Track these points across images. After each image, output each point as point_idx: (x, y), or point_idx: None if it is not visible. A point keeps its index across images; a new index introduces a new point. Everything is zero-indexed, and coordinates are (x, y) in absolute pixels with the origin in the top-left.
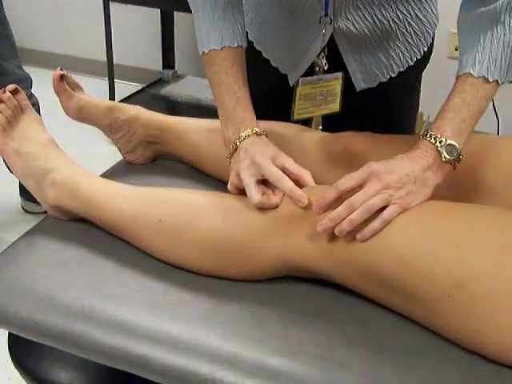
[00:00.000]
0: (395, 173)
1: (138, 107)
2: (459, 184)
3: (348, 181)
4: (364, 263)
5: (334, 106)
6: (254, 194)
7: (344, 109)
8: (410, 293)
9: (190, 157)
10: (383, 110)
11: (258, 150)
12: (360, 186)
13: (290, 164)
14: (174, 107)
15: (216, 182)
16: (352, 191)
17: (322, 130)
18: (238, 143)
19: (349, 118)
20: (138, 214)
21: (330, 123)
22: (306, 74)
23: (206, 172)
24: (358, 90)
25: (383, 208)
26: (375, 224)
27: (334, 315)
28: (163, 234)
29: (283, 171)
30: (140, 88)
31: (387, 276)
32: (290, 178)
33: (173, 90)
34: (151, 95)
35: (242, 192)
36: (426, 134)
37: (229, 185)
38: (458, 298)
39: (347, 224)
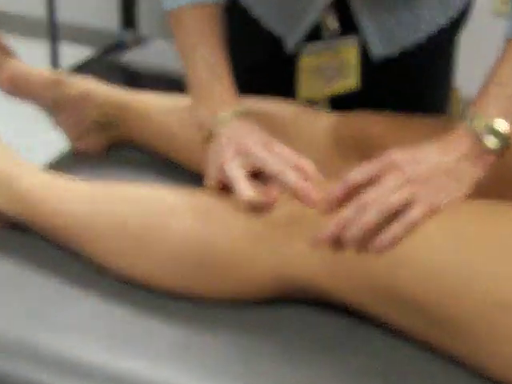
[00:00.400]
0: (422, 163)
1: (89, 80)
2: (507, 179)
3: (360, 173)
4: (380, 280)
5: (351, 82)
6: (245, 189)
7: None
8: (438, 316)
9: (158, 144)
10: (407, 85)
11: (244, 135)
12: (376, 181)
13: (286, 153)
14: (136, 79)
15: (191, 176)
16: (365, 187)
17: (329, 110)
18: (214, 128)
19: (363, 95)
20: (90, 216)
21: (339, 102)
22: (308, 39)
23: (178, 163)
24: (374, 60)
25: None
26: (395, 229)
27: (340, 348)
28: (124, 240)
29: None
30: (93, 54)
31: (410, 296)
32: None
33: (135, 56)
34: (107, 64)
35: (224, 189)
36: (464, 115)
37: (207, 179)
38: (499, 321)
39: (358, 229)
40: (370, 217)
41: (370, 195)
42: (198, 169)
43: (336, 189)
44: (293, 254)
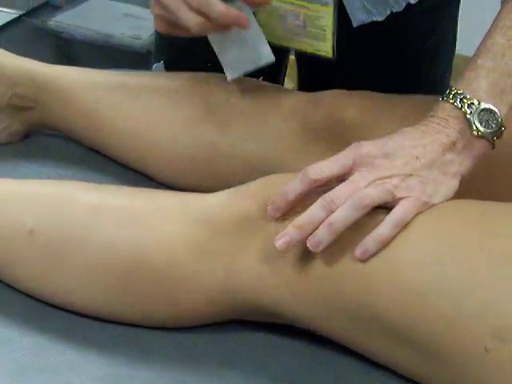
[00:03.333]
0: (398, 156)
1: None
2: (501, 172)
3: (324, 168)
4: (354, 300)
5: (324, 46)
6: (191, 17)
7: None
8: (425, 346)
9: (84, 131)
10: (396, 57)
11: None
12: (343, 178)
13: None
14: (68, 49)
15: (124, 171)
16: (329, 185)
17: (299, 89)
18: None
19: (341, 70)
20: None
21: (311, 78)
22: None
23: (107, 154)
24: (355, 26)
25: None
26: (383, 230)
27: (308, 383)
28: (36, 252)
29: None
30: (14, 16)
31: (393, 320)
32: None
33: (67, 20)
34: (31, 29)
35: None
36: (449, 94)
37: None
38: (499, 353)
39: (326, 230)
40: (342, 213)
41: (339, 191)
42: (132, 163)
43: (293, 186)
44: (242, 268)
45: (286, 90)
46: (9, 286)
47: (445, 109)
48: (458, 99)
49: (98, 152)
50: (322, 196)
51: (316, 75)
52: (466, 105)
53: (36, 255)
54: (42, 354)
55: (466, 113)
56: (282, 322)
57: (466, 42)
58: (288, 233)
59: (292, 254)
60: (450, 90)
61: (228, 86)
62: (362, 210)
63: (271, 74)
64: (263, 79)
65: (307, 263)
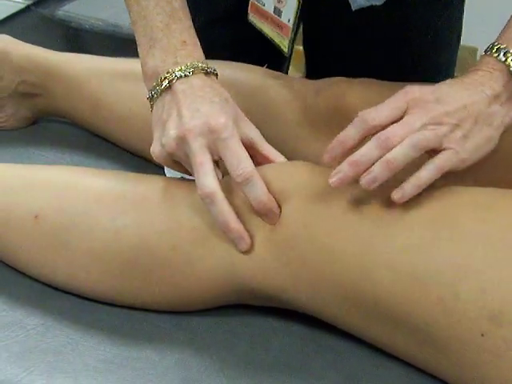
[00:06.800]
0: (448, 102)
1: (5, 38)
2: (503, 159)
3: (380, 112)
4: (352, 284)
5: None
6: (211, 181)
7: (338, 44)
8: (423, 331)
9: (90, 117)
10: (400, 43)
11: (211, 106)
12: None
13: (258, 139)
14: (77, 39)
15: (129, 157)
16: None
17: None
18: (171, 77)
19: (344, 59)
20: (1, 205)
21: (319, 67)
22: None
23: (113, 141)
24: (353, 9)
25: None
26: (423, 174)
27: (307, 365)
28: (40, 237)
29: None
30: (22, 6)
31: (390, 305)
32: (254, 160)
33: (75, 9)
34: (39, 18)
35: (176, 167)
36: (492, 49)
37: (157, 152)
38: (495, 338)
39: (383, 167)
40: (399, 151)
41: (393, 130)
42: (137, 148)
43: (350, 131)
44: (247, 254)
45: (289, 78)
46: (14, 268)
47: (489, 62)
48: (502, 53)
49: (103, 138)
50: (376, 135)
51: (324, 65)
52: (510, 58)
53: (40, 240)
54: (46, 335)
55: (509, 66)
56: (284, 307)
57: (470, 33)
58: (342, 169)
59: (293, 240)
60: (493, 46)
61: (231, 73)
62: (419, 150)
63: (276, 62)
64: (267, 67)
65: (308, 249)
